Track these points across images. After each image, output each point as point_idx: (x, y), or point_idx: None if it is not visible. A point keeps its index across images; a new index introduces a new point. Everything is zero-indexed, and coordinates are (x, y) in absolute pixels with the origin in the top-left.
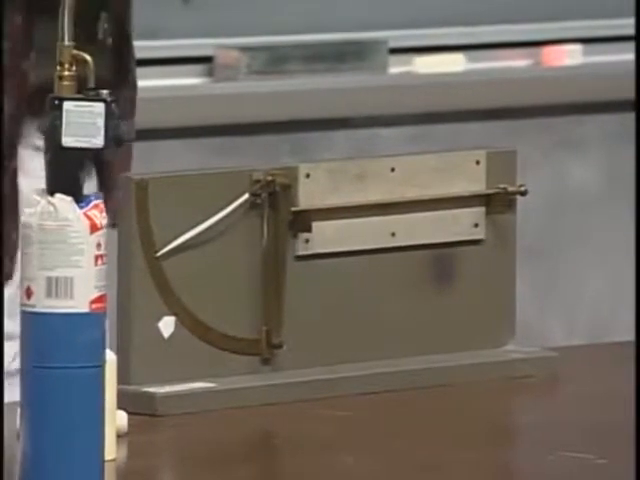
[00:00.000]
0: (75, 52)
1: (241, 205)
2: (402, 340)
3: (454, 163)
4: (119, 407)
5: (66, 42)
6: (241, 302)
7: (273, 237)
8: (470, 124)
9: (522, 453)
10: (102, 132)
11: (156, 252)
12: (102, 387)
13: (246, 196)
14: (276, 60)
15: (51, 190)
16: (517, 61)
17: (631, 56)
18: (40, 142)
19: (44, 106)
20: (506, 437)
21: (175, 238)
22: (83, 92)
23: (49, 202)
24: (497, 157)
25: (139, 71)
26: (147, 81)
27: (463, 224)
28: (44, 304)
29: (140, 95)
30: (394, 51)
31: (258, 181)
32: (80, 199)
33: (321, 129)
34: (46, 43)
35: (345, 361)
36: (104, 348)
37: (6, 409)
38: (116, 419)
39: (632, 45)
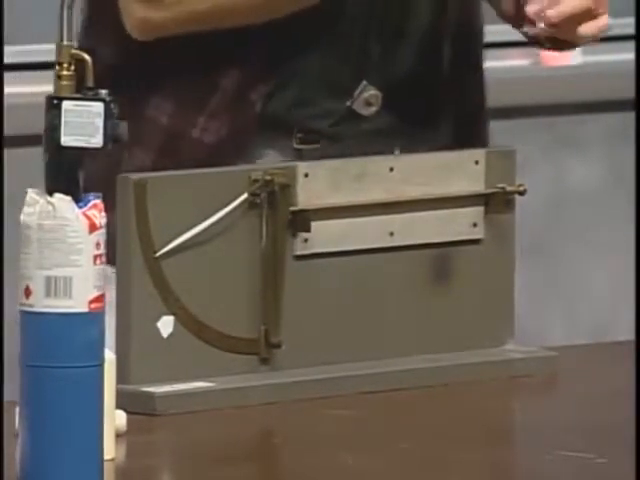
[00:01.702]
0: (74, 51)
1: (240, 205)
2: (401, 339)
3: (453, 162)
4: (118, 407)
5: (65, 41)
6: (240, 301)
7: (272, 237)
8: None
9: (522, 453)
10: (101, 131)
11: (155, 252)
12: (101, 386)
13: (245, 196)
14: None
15: (50, 189)
16: (517, 60)
17: (631, 56)
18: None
19: (266, 137)
20: (506, 437)
21: (174, 237)
22: (82, 92)
23: (48, 201)
24: (496, 157)
25: None
26: None
27: (462, 223)
28: (43, 303)
29: None
30: None
31: (257, 180)
32: (79, 198)
33: None
34: (287, 77)
35: (344, 360)
36: (103, 347)
37: (5, 408)
38: (115, 418)
39: (632, 45)
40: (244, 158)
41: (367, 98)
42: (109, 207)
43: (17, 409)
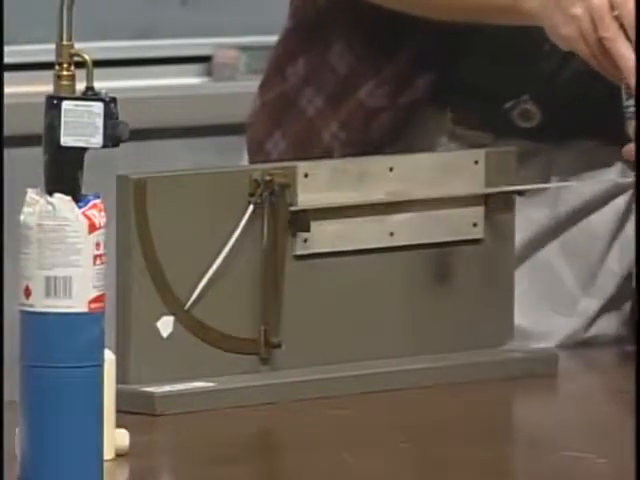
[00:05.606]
0: (74, 51)
1: (240, 206)
2: (401, 339)
3: (453, 163)
4: (118, 406)
5: (65, 41)
6: (240, 301)
7: (272, 237)
8: None
9: (522, 453)
10: (101, 131)
11: (154, 251)
12: (101, 387)
13: (251, 209)
14: None
15: (50, 189)
16: None
17: None
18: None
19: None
20: (506, 437)
21: (173, 237)
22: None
23: (48, 201)
24: (496, 157)
25: (136, 71)
26: (145, 81)
27: (462, 224)
28: (42, 304)
29: (138, 95)
30: None
31: (257, 181)
32: (79, 198)
33: None
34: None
35: (344, 361)
36: (103, 348)
37: (6, 408)
38: (117, 438)
39: None
40: (396, 135)
41: (524, 111)
42: None
43: (17, 430)
